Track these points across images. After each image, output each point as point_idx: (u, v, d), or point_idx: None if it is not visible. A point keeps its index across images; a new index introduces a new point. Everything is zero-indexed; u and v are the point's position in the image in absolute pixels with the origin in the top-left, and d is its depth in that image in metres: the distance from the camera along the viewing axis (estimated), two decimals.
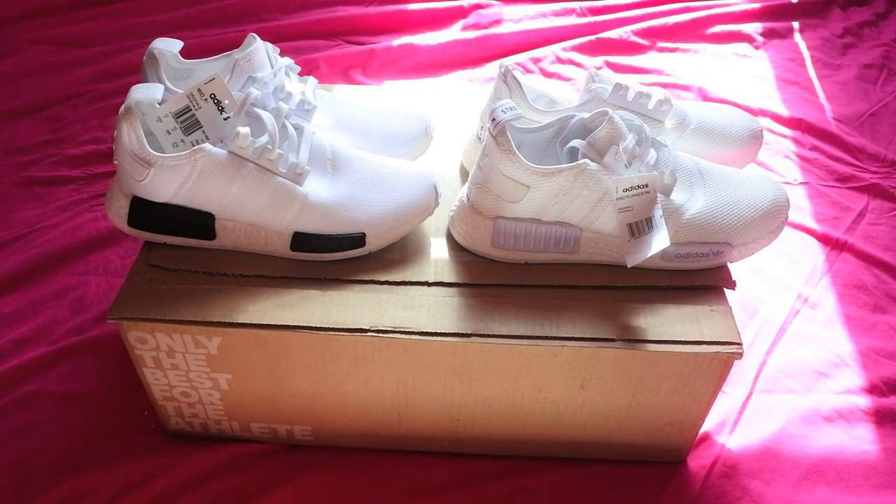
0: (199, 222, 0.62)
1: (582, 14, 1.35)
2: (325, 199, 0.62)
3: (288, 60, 0.69)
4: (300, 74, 0.70)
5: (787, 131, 1.12)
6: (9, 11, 1.29)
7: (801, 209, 0.99)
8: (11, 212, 0.94)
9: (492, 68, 1.23)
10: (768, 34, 1.34)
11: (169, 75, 0.66)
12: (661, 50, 1.29)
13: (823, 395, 0.78)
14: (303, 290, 0.62)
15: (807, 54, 1.29)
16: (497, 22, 1.32)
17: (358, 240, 0.63)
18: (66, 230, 0.92)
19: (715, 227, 0.63)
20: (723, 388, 0.74)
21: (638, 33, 1.30)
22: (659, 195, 0.60)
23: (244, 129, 0.58)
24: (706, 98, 1.17)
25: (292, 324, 0.59)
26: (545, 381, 0.63)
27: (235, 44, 0.67)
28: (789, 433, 0.74)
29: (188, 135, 0.62)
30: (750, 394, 0.77)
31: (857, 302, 0.88)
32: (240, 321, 0.59)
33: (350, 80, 1.19)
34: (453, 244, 0.66)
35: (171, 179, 0.59)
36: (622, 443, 0.69)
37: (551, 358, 0.61)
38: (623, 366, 0.61)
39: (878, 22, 1.36)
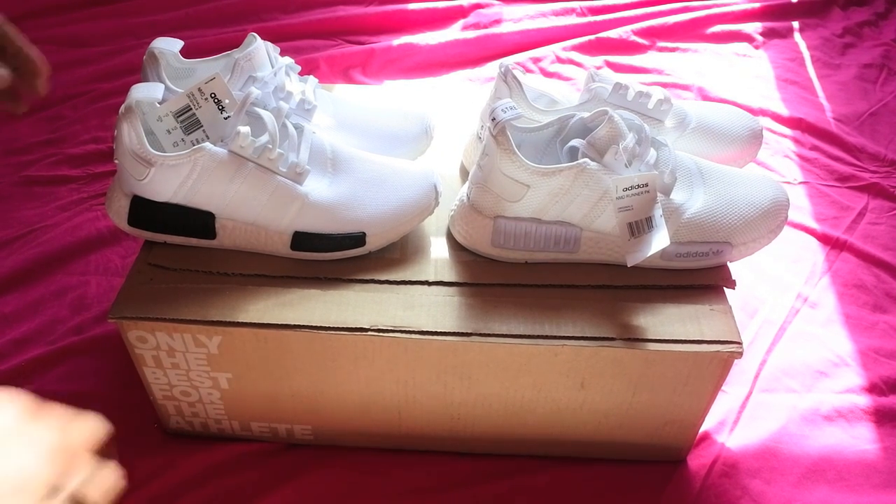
0: (199, 222, 0.62)
1: (582, 14, 1.35)
2: (326, 198, 0.62)
3: (288, 60, 0.69)
4: (300, 74, 0.70)
5: (787, 131, 1.12)
6: (9, 11, 1.28)
7: (801, 209, 0.99)
8: (11, 211, 0.94)
9: (492, 68, 1.23)
10: (768, 34, 1.34)
11: (169, 75, 0.66)
12: (661, 50, 1.29)
13: (823, 394, 0.78)
14: (303, 290, 0.62)
15: (807, 54, 1.29)
16: (497, 22, 1.32)
17: (358, 239, 0.63)
18: (66, 230, 0.92)
19: (715, 226, 0.63)
20: (723, 388, 0.74)
21: (638, 33, 1.30)
22: (659, 194, 0.60)
23: (244, 129, 0.58)
24: (706, 98, 1.17)
25: (292, 323, 0.59)
26: (545, 381, 0.63)
27: (235, 43, 0.67)
28: (789, 432, 0.74)
29: (188, 134, 0.62)
30: (750, 393, 0.77)
31: (857, 301, 0.88)
32: (240, 320, 0.59)
33: (350, 80, 1.19)
34: (453, 244, 0.66)
35: (171, 179, 0.59)
36: (622, 442, 0.69)
37: (551, 357, 0.61)
38: (623, 365, 0.61)
39: (878, 22, 1.36)
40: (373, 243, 0.64)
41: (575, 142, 0.61)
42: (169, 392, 0.67)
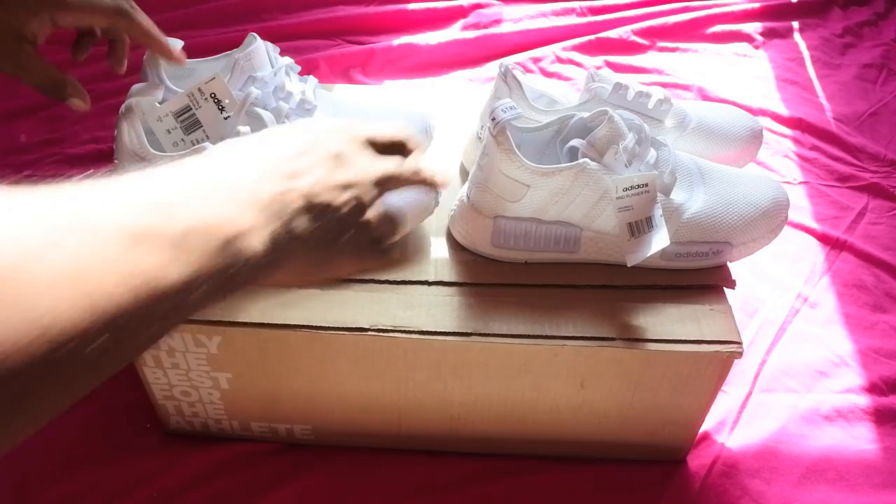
0: None
1: (582, 14, 1.35)
2: None
3: (288, 60, 0.69)
4: (300, 74, 0.70)
5: (787, 131, 1.12)
6: None
7: (801, 209, 0.99)
8: None
9: (492, 68, 1.23)
10: (768, 34, 1.34)
11: (169, 74, 0.66)
12: (661, 50, 1.29)
13: (823, 394, 0.78)
14: (303, 290, 0.62)
15: (806, 54, 1.29)
16: (497, 22, 1.32)
17: None
18: None
19: (715, 226, 0.63)
20: (723, 388, 0.73)
21: (638, 33, 1.30)
22: (659, 194, 0.60)
23: (244, 129, 0.58)
24: (706, 98, 1.17)
25: (292, 323, 0.59)
26: (545, 381, 0.63)
27: (236, 43, 0.67)
28: (789, 432, 0.74)
29: (188, 134, 0.62)
30: (750, 393, 0.77)
31: (857, 301, 0.88)
32: (240, 320, 0.59)
33: (350, 80, 1.19)
34: (453, 243, 0.66)
35: None
36: (622, 442, 0.69)
37: (551, 357, 0.61)
38: (623, 365, 0.61)
39: (877, 22, 1.36)
40: None
41: (575, 142, 0.60)
42: (169, 392, 0.67)
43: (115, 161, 0.60)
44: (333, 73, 1.20)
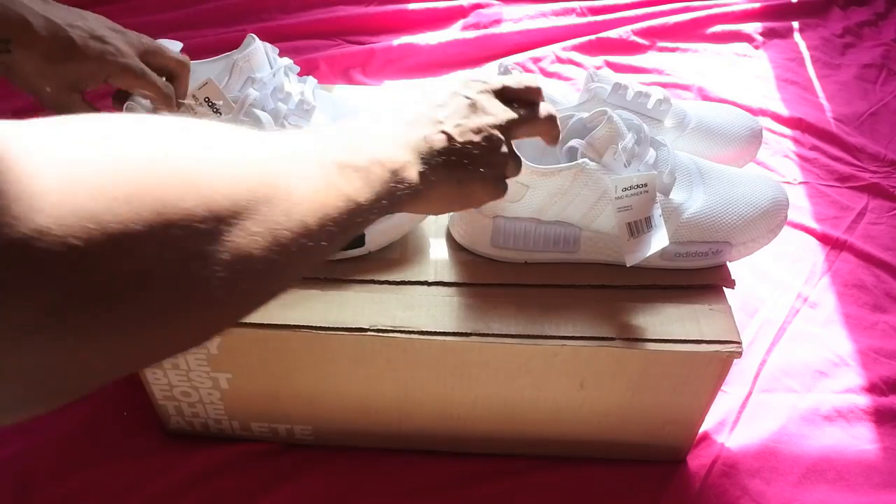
0: None
1: (582, 14, 1.35)
2: None
3: (287, 61, 0.69)
4: (300, 74, 0.70)
5: (787, 131, 1.12)
6: None
7: (801, 209, 0.99)
8: None
9: (492, 68, 1.23)
10: (768, 34, 1.34)
11: None
12: (661, 50, 1.29)
13: (823, 394, 0.78)
14: (303, 290, 0.62)
15: (806, 54, 1.29)
16: (497, 22, 1.32)
17: (358, 239, 0.63)
18: None
19: (714, 226, 0.63)
20: (723, 388, 0.73)
21: (638, 33, 1.30)
22: (658, 194, 0.60)
23: None
24: (706, 98, 1.17)
25: (292, 323, 0.60)
26: (545, 381, 0.63)
27: (235, 44, 0.67)
28: (789, 432, 0.74)
29: None
30: (750, 393, 0.77)
31: (857, 301, 0.88)
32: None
33: (350, 80, 1.19)
34: (453, 244, 0.66)
35: None
36: (622, 442, 0.69)
37: (551, 357, 0.61)
38: (623, 365, 0.61)
39: (877, 22, 1.36)
40: (373, 243, 0.64)
41: (574, 142, 0.60)
42: (169, 392, 0.67)
43: None
44: (333, 73, 1.20)
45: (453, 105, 0.47)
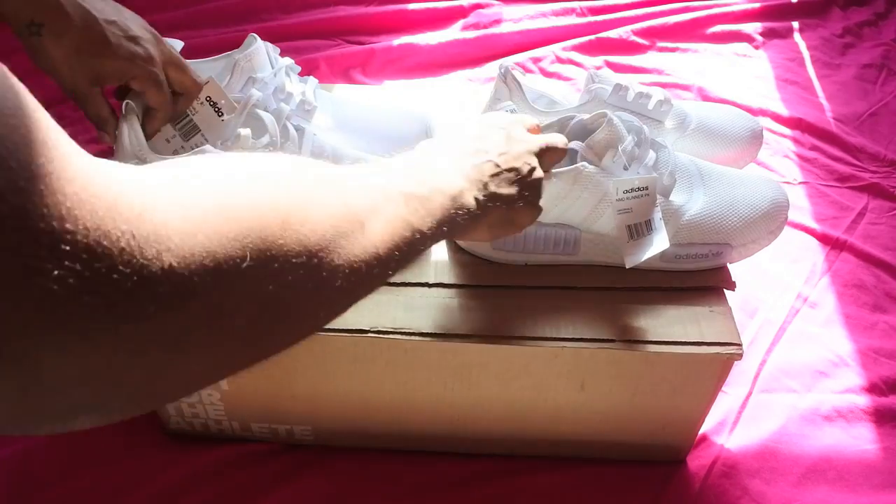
0: None
1: (582, 14, 1.35)
2: None
3: (288, 61, 0.69)
4: (300, 74, 0.70)
5: (787, 131, 1.12)
6: None
7: (801, 209, 0.99)
8: None
9: (492, 68, 1.23)
10: (768, 34, 1.34)
11: None
12: (661, 50, 1.29)
13: (823, 394, 0.78)
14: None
15: (806, 54, 1.29)
16: (497, 22, 1.32)
17: None
18: None
19: (714, 228, 0.63)
20: (723, 388, 0.73)
21: (638, 33, 1.30)
22: (658, 196, 0.60)
23: (245, 131, 0.58)
24: (706, 98, 1.17)
25: None
26: (545, 382, 0.63)
27: (235, 44, 0.67)
28: (789, 433, 0.74)
29: (187, 140, 0.62)
30: (750, 393, 0.77)
31: (857, 301, 0.88)
32: None
33: (350, 80, 1.19)
34: (453, 246, 0.66)
35: None
36: (622, 442, 0.69)
37: (551, 359, 0.61)
38: (623, 367, 0.61)
39: (877, 22, 1.36)
40: None
41: (574, 144, 0.60)
42: None
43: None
44: (333, 73, 1.20)
45: (492, 137, 0.51)
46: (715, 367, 0.61)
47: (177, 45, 0.68)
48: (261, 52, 0.66)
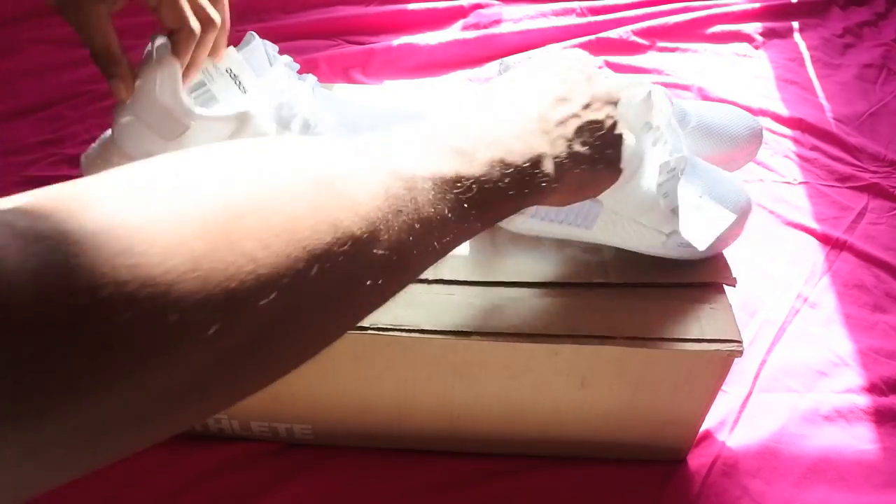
0: None
1: (582, 14, 1.35)
2: None
3: (287, 59, 0.69)
4: (299, 73, 0.70)
5: (787, 131, 1.12)
6: (9, 11, 1.29)
7: (801, 209, 0.99)
8: None
9: (492, 68, 1.23)
10: (768, 34, 1.34)
11: None
12: (661, 50, 1.29)
13: (823, 394, 0.78)
14: None
15: (807, 54, 1.29)
16: (497, 22, 1.32)
17: None
18: None
19: None
20: (723, 388, 0.73)
21: (638, 33, 1.30)
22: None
23: (255, 110, 0.56)
24: (706, 98, 1.17)
25: None
26: (545, 380, 0.63)
27: (235, 43, 0.67)
28: (789, 432, 0.74)
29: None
30: (750, 393, 0.77)
31: (857, 301, 0.88)
32: None
33: (350, 80, 1.19)
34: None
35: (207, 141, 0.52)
36: (622, 442, 0.69)
37: (551, 356, 0.61)
38: (623, 364, 0.61)
39: (878, 22, 1.36)
40: None
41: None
42: None
43: (125, 120, 0.54)
44: (333, 73, 1.20)
45: (575, 82, 0.43)
46: (715, 364, 0.61)
47: None
48: (259, 51, 0.66)
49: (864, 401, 0.77)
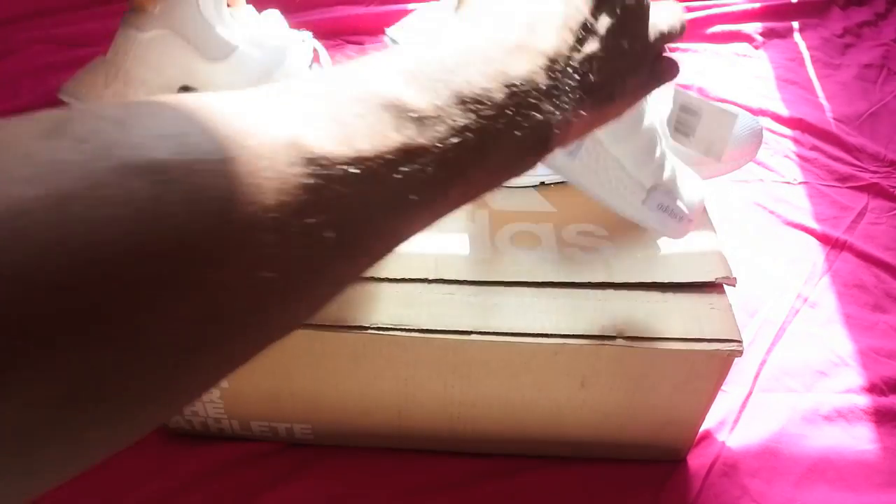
0: None
1: None
2: None
3: (275, 13, 0.68)
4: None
5: (787, 131, 1.12)
6: (9, 11, 1.29)
7: (801, 209, 0.99)
8: None
9: None
10: (768, 34, 1.34)
11: None
12: None
13: (823, 394, 0.78)
14: None
15: (807, 54, 1.29)
16: None
17: None
18: None
19: None
20: (723, 388, 0.73)
21: None
22: None
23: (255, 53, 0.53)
24: (706, 98, 1.17)
25: None
26: (545, 380, 0.63)
27: None
28: (789, 432, 0.74)
29: None
30: (750, 393, 0.77)
31: (857, 301, 0.88)
32: None
33: None
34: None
35: (246, 73, 0.48)
36: (622, 442, 0.69)
37: (551, 356, 0.61)
38: (623, 364, 0.61)
39: (878, 22, 1.36)
40: None
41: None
42: None
43: (149, 33, 0.48)
44: None
45: None
46: (715, 363, 0.61)
47: None
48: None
49: (864, 401, 0.77)
